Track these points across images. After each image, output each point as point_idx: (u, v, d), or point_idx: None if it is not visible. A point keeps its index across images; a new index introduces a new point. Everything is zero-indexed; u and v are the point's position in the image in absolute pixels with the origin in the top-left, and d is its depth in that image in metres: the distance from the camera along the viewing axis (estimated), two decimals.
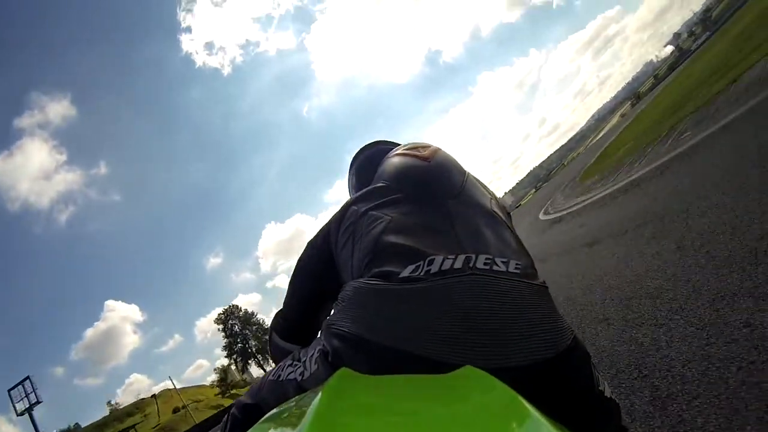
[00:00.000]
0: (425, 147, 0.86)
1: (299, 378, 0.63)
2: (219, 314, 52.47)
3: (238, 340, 50.97)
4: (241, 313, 52.50)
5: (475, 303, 0.52)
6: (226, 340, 50.74)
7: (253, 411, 0.75)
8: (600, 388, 0.56)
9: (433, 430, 0.29)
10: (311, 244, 0.82)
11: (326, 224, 0.80)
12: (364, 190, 0.81)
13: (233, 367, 51.40)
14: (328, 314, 0.74)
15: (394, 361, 0.50)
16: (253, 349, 50.36)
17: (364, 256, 0.66)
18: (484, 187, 0.81)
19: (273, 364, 0.87)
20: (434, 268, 0.57)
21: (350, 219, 0.74)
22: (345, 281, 0.67)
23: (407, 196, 0.72)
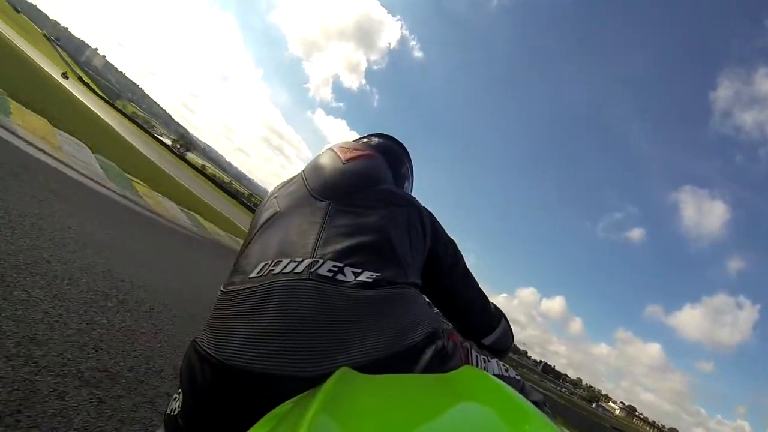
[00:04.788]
0: (359, 150, 0.84)
1: (172, 413, 0.58)
2: None
3: None
4: None
5: (289, 308, 0.52)
6: None
7: None
8: None
9: (432, 430, 0.30)
10: None
11: None
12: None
13: None
14: None
15: (210, 374, 0.50)
16: None
17: (242, 250, 0.69)
18: (409, 205, 0.75)
19: None
20: (277, 270, 0.57)
21: (261, 205, 0.77)
22: None
23: (307, 191, 0.73)
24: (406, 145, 1.04)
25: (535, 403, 0.70)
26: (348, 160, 0.79)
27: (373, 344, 0.51)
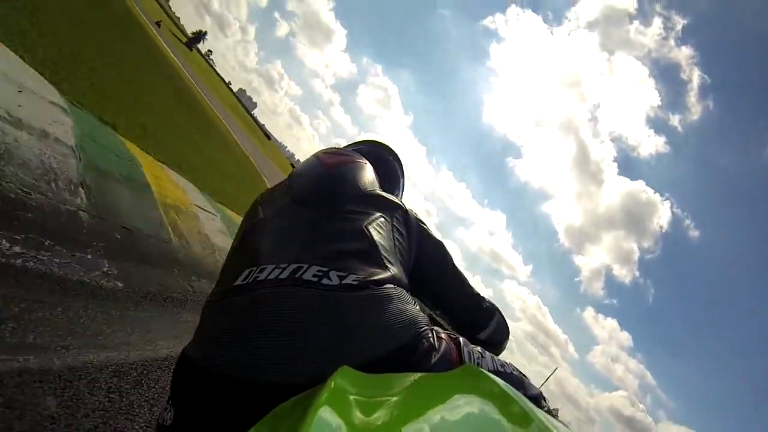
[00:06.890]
0: (344, 156, 0.86)
1: (164, 423, 0.58)
2: None
3: None
4: None
5: (275, 315, 0.52)
6: None
7: None
8: None
9: (433, 429, 0.30)
10: None
11: None
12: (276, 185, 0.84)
13: None
14: None
15: (204, 384, 0.51)
16: None
17: (227, 258, 0.69)
18: (395, 208, 0.76)
19: None
20: (262, 276, 0.57)
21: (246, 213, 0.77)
22: None
23: (291, 198, 0.73)
24: (399, 155, 1.05)
25: (534, 397, 0.68)
26: (332, 166, 0.80)
27: (361, 346, 0.51)
